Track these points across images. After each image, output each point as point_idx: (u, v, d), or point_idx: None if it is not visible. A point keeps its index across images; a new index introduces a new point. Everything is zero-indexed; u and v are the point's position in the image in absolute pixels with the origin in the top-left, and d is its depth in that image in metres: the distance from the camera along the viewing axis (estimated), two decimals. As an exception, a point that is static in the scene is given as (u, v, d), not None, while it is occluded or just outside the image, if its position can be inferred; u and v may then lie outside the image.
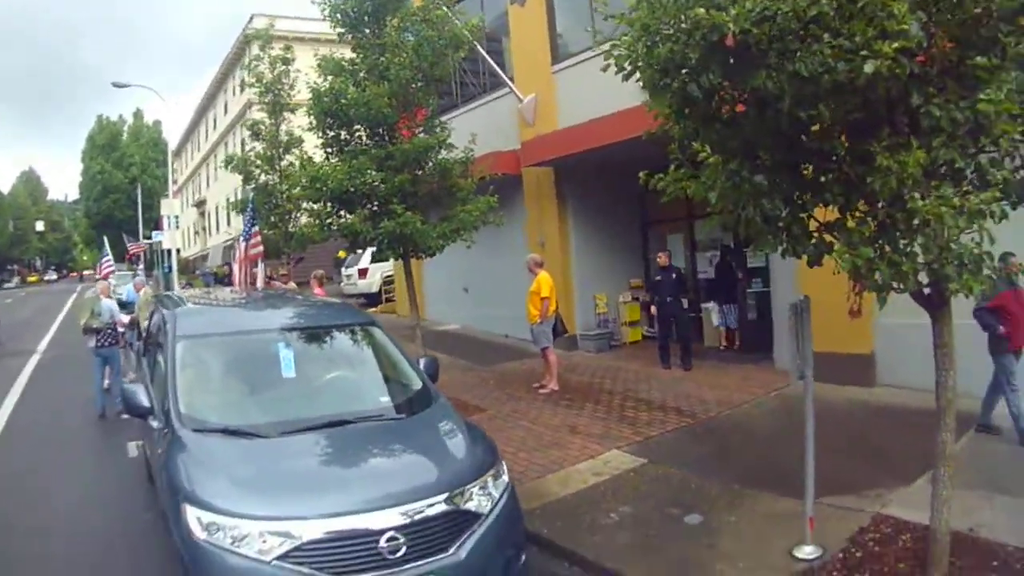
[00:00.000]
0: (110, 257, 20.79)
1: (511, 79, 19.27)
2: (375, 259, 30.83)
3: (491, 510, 6.05)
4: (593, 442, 10.86)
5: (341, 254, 37.04)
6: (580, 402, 13.30)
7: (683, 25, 5.48)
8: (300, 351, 7.78)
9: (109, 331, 14.94)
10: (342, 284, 33.33)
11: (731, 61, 5.48)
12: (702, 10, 5.17)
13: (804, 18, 5.00)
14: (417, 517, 5.59)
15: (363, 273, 32.77)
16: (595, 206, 19.24)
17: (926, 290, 5.88)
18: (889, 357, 12.15)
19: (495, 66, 18.94)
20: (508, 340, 20.20)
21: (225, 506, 5.41)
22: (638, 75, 6.24)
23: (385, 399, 7.65)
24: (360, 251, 32.07)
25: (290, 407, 7.09)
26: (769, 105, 5.54)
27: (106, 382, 15.08)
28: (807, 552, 6.91)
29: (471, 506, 5.95)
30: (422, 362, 8.21)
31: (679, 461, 9.85)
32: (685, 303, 16.29)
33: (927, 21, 5.07)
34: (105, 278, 18.57)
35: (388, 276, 30.81)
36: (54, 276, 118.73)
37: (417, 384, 7.75)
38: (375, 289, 31.57)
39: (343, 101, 13.27)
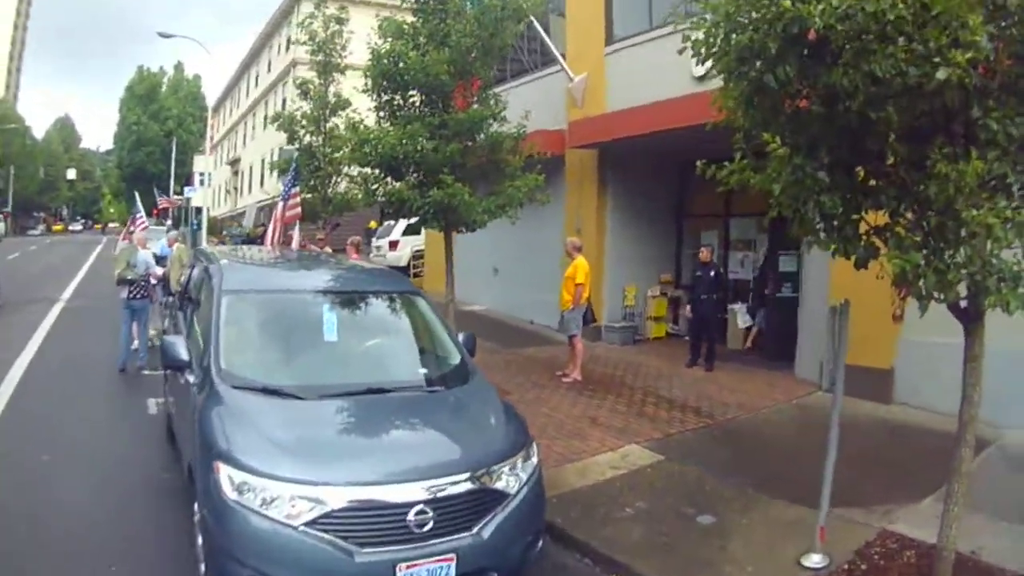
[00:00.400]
0: (142, 211, 20.76)
1: (563, 56, 19.17)
2: (407, 232, 31.05)
3: (518, 491, 6.09)
4: (613, 435, 10.92)
5: (372, 224, 37.12)
6: (602, 394, 13.37)
7: (767, 15, 5.55)
8: (343, 315, 7.83)
9: (143, 283, 14.98)
10: (371, 255, 33.40)
11: (807, 55, 5.58)
12: (788, 2, 5.25)
13: (883, 20, 5.08)
14: (442, 493, 5.62)
15: (393, 245, 32.82)
16: (635, 196, 19.23)
17: (963, 303, 5.95)
18: (909, 375, 12.16)
19: (549, 42, 18.89)
20: (533, 326, 20.26)
21: (258, 466, 5.43)
22: (711, 62, 6.31)
23: (424, 370, 7.71)
24: (393, 223, 32.30)
25: (330, 371, 7.14)
26: (838, 102, 5.61)
27: (135, 340, 15.15)
28: (815, 561, 7.00)
29: (499, 485, 6.00)
30: (461, 336, 8.21)
31: (696, 461, 9.94)
32: (719, 303, 16.32)
33: (994, 35, 5.16)
34: (143, 230, 18.51)
35: (418, 250, 30.89)
36: (79, 227, 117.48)
37: (456, 358, 7.78)
38: (404, 263, 31.55)
39: (401, 65, 13.23)
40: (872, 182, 6.24)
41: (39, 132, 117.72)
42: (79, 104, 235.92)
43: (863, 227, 6.30)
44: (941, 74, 4.94)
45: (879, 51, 5.14)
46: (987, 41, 5.06)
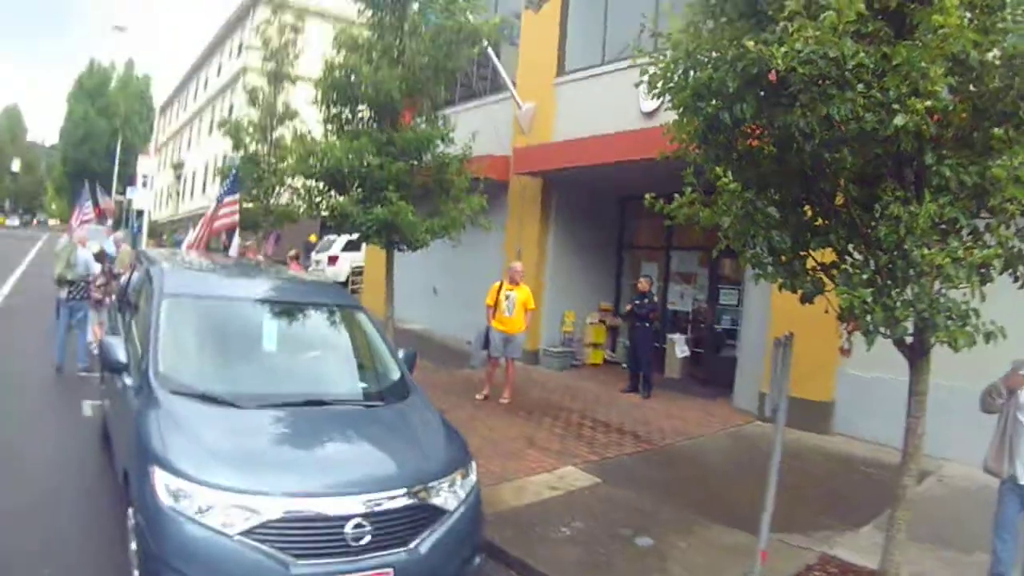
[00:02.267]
0: (90, 203, 20.30)
1: (514, 84, 19.26)
2: (347, 247, 30.88)
3: (457, 508, 6.06)
4: (550, 456, 10.91)
5: (312, 238, 36.85)
6: (539, 416, 13.36)
7: (727, 54, 5.67)
8: (284, 325, 7.79)
9: (83, 284, 14.46)
10: (310, 268, 33.11)
11: (765, 95, 5.72)
12: (752, 43, 5.36)
13: (843, 66, 5.20)
14: (379, 508, 5.58)
15: (333, 260, 32.44)
16: (577, 224, 19.34)
17: (909, 339, 6.12)
18: (848, 407, 12.36)
19: (501, 69, 18.93)
20: (471, 347, 20.12)
21: (195, 473, 5.33)
22: (668, 96, 6.41)
23: (364, 385, 7.66)
24: (334, 237, 32.14)
25: (269, 380, 7.04)
26: (792, 143, 5.75)
27: (91, 342, 14.44)
28: (756, 583, 7.07)
29: (438, 502, 5.96)
30: (401, 353, 8.16)
31: (634, 484, 9.95)
32: (656, 332, 16.50)
33: (954, 87, 5.36)
34: (84, 224, 18.07)
35: (357, 267, 30.60)
36: (16, 221, 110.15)
37: (396, 374, 7.73)
38: (343, 278, 31.13)
39: (354, 78, 13.22)
40: (820, 220, 6.39)
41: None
42: (27, 94, 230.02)
43: (810, 263, 6.44)
44: (899, 120, 5.09)
45: (837, 96, 5.28)
46: (947, 93, 5.23)
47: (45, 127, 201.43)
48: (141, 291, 8.44)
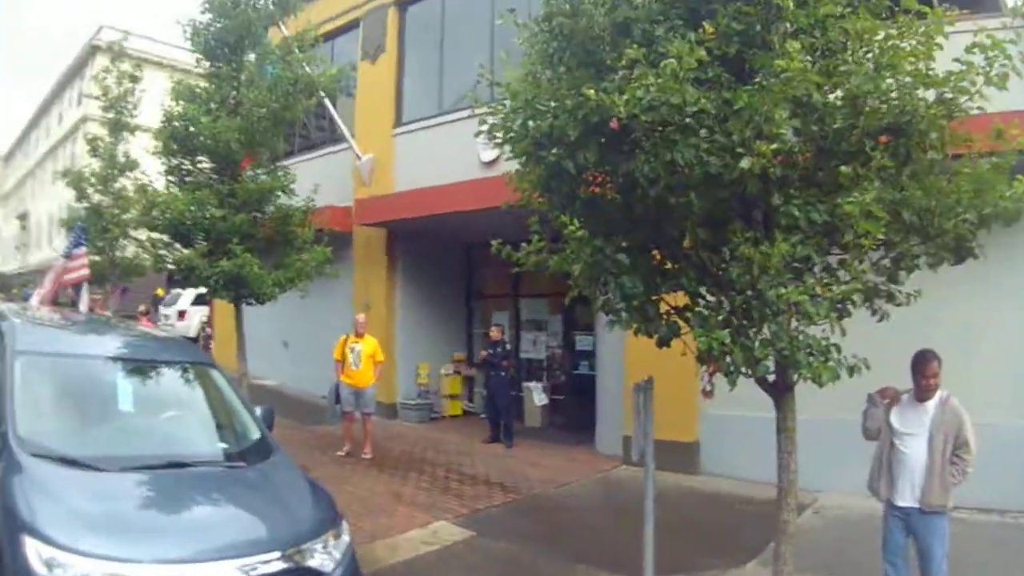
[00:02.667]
0: None
1: (352, 135, 19.15)
2: (196, 301, 30.21)
3: (334, 570, 5.89)
4: (420, 511, 10.73)
5: (159, 292, 35.87)
6: (404, 471, 13.16)
7: (567, 103, 5.63)
8: (140, 384, 7.49)
9: None
10: (159, 323, 32.19)
11: (607, 143, 5.67)
12: (592, 92, 5.31)
13: (686, 112, 5.22)
14: (255, 572, 5.38)
15: (182, 315, 31.87)
16: (424, 274, 19.26)
17: (771, 376, 6.16)
18: (713, 446, 12.52)
19: (338, 120, 18.82)
20: (325, 401, 19.76)
21: (67, 542, 5.06)
22: (509, 146, 6.35)
23: (225, 445, 7.38)
24: (181, 291, 31.56)
25: (129, 441, 6.75)
26: (636, 188, 5.73)
27: None
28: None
29: (313, 564, 5.77)
30: (259, 411, 7.94)
31: (509, 535, 9.85)
32: (511, 380, 16.44)
33: (798, 129, 5.40)
34: None
35: (206, 321, 29.91)
36: None
37: (256, 433, 7.50)
38: (193, 333, 30.47)
39: (192, 129, 12.96)
40: (670, 264, 6.44)
41: None
42: None
43: (664, 307, 6.46)
44: (744, 163, 5.14)
45: (681, 141, 5.28)
46: (792, 135, 5.31)
47: None
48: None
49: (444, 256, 19.41)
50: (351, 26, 20.37)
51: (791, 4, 5.35)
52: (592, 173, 6.02)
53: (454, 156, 15.73)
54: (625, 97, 5.21)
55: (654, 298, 6.38)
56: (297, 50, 14.05)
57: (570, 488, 12.43)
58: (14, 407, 6.32)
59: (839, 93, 5.62)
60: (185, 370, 8.04)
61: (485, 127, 6.49)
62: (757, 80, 5.44)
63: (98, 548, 5.05)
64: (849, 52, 5.79)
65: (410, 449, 15.06)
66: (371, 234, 18.94)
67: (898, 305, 6.29)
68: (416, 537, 9.70)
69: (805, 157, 5.64)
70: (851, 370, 5.52)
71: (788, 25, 5.54)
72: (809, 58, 5.57)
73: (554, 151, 5.91)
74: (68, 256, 17.37)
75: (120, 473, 5.99)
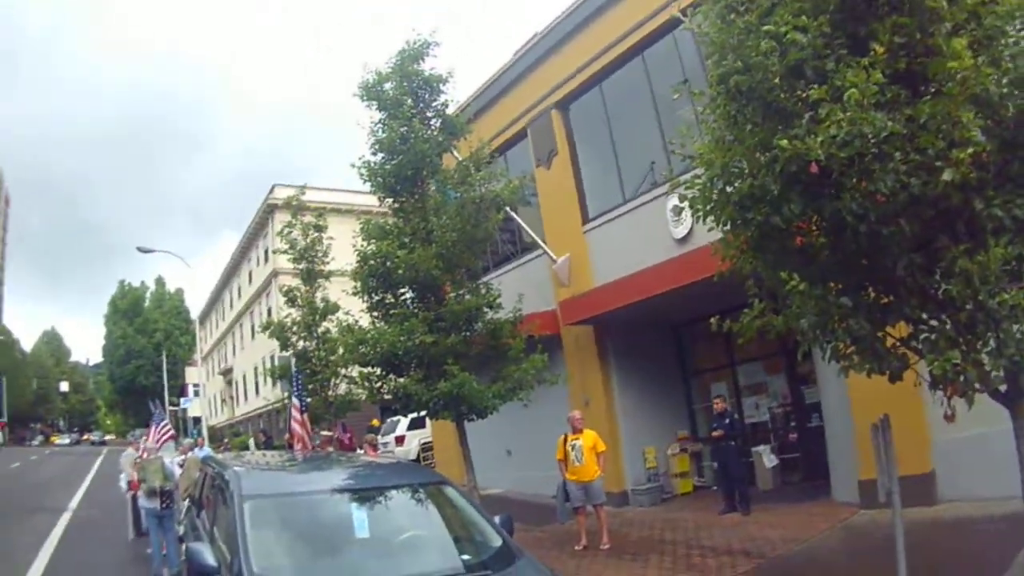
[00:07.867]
0: (167, 418, 20.69)
1: (543, 240, 19.45)
2: (412, 426, 31.08)
3: None
4: (667, 591, 10.53)
5: (375, 422, 36.95)
6: (644, 555, 12.98)
7: (761, 159, 5.67)
8: (373, 511, 7.67)
9: (170, 492, 14.30)
10: (379, 452, 33.21)
11: (808, 190, 5.70)
12: (785, 141, 5.38)
13: (879, 138, 5.21)
14: None
15: (400, 440, 32.56)
16: (636, 360, 19.15)
17: (1002, 387, 5.97)
18: (948, 472, 11.99)
19: (527, 228, 19.18)
20: (555, 502, 19.80)
21: None
22: (711, 216, 6.41)
23: (466, 557, 7.39)
24: (396, 418, 32.42)
25: (367, 566, 6.98)
26: (844, 230, 5.70)
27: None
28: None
29: None
30: (497, 519, 7.94)
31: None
32: (740, 448, 16.17)
33: (985, 127, 5.35)
34: (170, 439, 18.38)
35: (425, 442, 30.56)
36: (67, 439, 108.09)
37: (497, 541, 7.51)
38: (413, 456, 31.07)
39: (390, 264, 13.46)
40: (886, 298, 6.31)
41: (26, 346, 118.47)
42: (61, 319, 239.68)
43: (889, 341, 6.31)
44: (947, 175, 5.11)
45: (879, 170, 5.28)
46: (981, 135, 5.24)
47: (87, 347, 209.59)
48: (217, 495, 8.37)
49: (653, 338, 19.36)
50: (519, 137, 20.90)
51: (944, 3, 5.33)
52: (798, 223, 6.05)
53: (646, 239, 15.92)
54: (820, 139, 5.27)
55: (879, 335, 6.29)
56: (474, 170, 14.47)
57: (813, 542, 12.06)
58: (247, 546, 6.59)
59: (1004, 80, 5.50)
60: (419, 491, 8.18)
61: (685, 203, 6.58)
62: (933, 89, 5.42)
63: None
64: (1011, 36, 5.67)
65: (647, 533, 14.90)
66: (579, 332, 19.08)
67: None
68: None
69: (989, 154, 5.52)
70: None
71: (947, 24, 5.50)
72: (971, 52, 5.46)
73: (760, 209, 5.95)
74: (301, 405, 18.21)
75: None
